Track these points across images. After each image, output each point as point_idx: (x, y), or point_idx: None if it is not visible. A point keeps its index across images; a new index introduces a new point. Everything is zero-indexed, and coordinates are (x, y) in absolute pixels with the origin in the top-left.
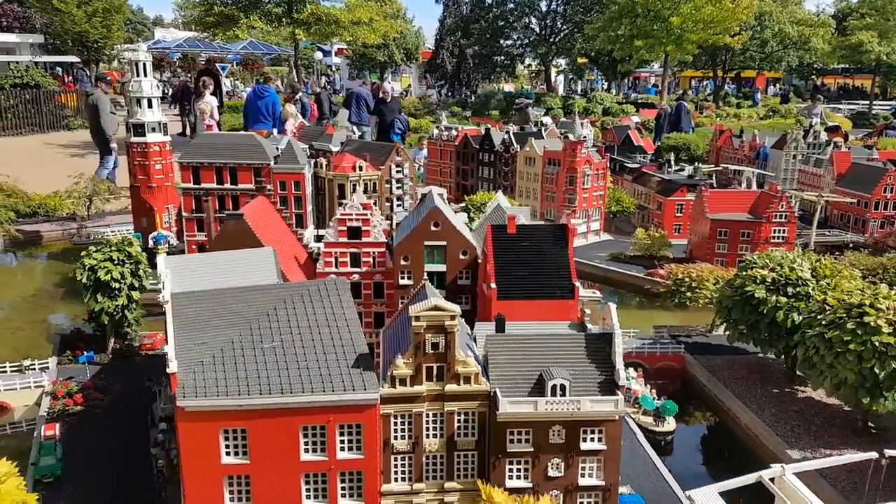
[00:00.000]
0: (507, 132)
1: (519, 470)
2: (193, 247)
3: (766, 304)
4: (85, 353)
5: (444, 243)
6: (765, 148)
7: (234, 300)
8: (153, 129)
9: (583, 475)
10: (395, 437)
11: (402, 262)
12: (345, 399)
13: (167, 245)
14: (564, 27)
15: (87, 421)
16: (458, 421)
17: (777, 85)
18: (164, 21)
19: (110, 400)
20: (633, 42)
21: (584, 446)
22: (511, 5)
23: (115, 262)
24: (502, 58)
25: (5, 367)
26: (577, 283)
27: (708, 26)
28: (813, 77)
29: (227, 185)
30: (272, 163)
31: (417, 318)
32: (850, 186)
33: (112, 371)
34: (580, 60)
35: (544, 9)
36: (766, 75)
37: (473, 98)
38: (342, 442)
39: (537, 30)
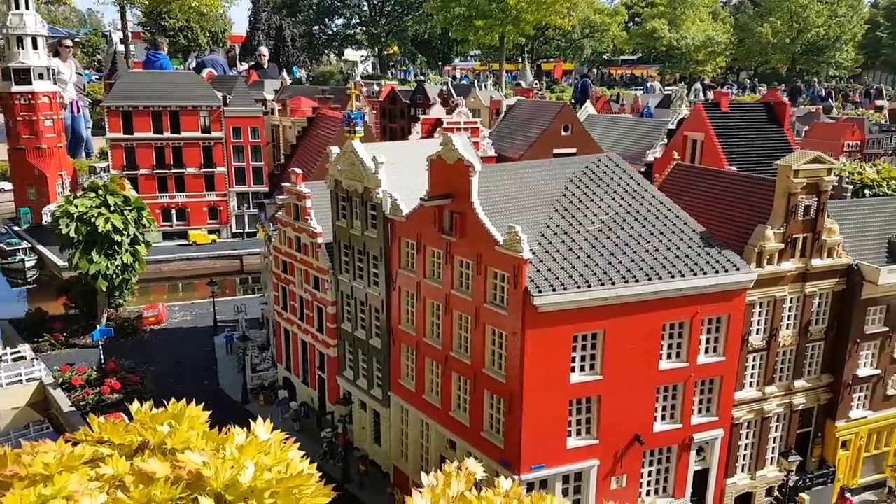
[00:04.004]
0: (446, 83)
1: (869, 355)
2: None
3: None
4: (98, 326)
5: (574, 150)
6: (649, 108)
7: (516, 179)
8: (40, 76)
9: None
10: (753, 332)
11: None
12: (721, 283)
13: (357, 125)
14: (395, 8)
15: None
16: (814, 305)
17: (571, 75)
18: None
19: (149, 383)
20: (473, 22)
21: None
22: None
23: (112, 208)
24: (329, 38)
25: None
26: None
27: (541, 6)
28: (599, 66)
29: (168, 134)
30: (223, 105)
31: (796, 174)
32: None
33: (119, 350)
34: (394, 49)
35: None
36: (563, 67)
37: (309, 79)
38: (703, 343)
39: (367, 9)
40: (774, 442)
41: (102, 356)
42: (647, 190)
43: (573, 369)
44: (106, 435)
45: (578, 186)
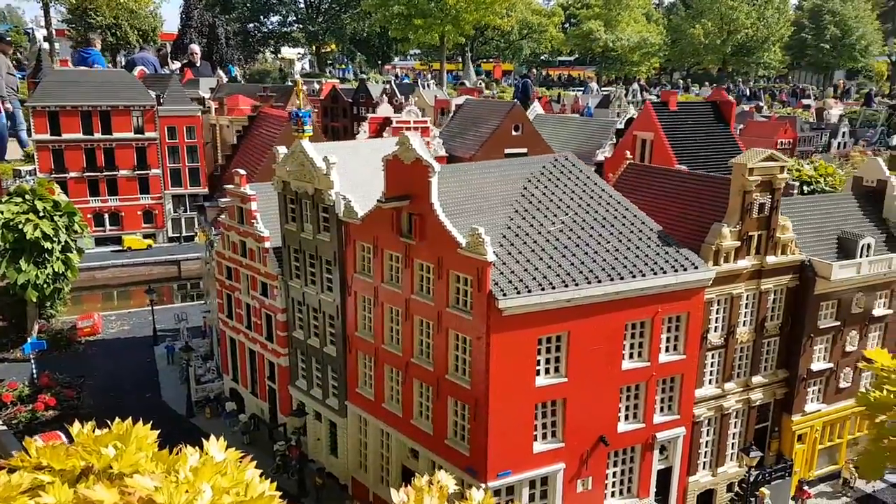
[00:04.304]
0: (389, 82)
1: (822, 350)
2: None
3: None
4: (29, 339)
5: (524, 150)
6: (589, 108)
7: (473, 180)
8: None
9: (867, 346)
10: (712, 330)
11: None
12: (680, 281)
13: (305, 124)
14: (332, 6)
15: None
16: (769, 301)
17: (510, 76)
18: None
19: (86, 397)
20: (412, 21)
21: (875, 313)
22: None
23: (41, 214)
24: (265, 36)
25: None
26: None
27: (480, 6)
28: (538, 67)
29: (99, 135)
30: (157, 104)
31: (751, 172)
32: None
33: (53, 364)
34: (331, 48)
35: None
36: (502, 67)
37: (245, 77)
38: (664, 342)
39: (303, 6)
40: (734, 438)
41: (35, 370)
42: (604, 190)
43: (538, 372)
44: (45, 460)
45: (537, 187)
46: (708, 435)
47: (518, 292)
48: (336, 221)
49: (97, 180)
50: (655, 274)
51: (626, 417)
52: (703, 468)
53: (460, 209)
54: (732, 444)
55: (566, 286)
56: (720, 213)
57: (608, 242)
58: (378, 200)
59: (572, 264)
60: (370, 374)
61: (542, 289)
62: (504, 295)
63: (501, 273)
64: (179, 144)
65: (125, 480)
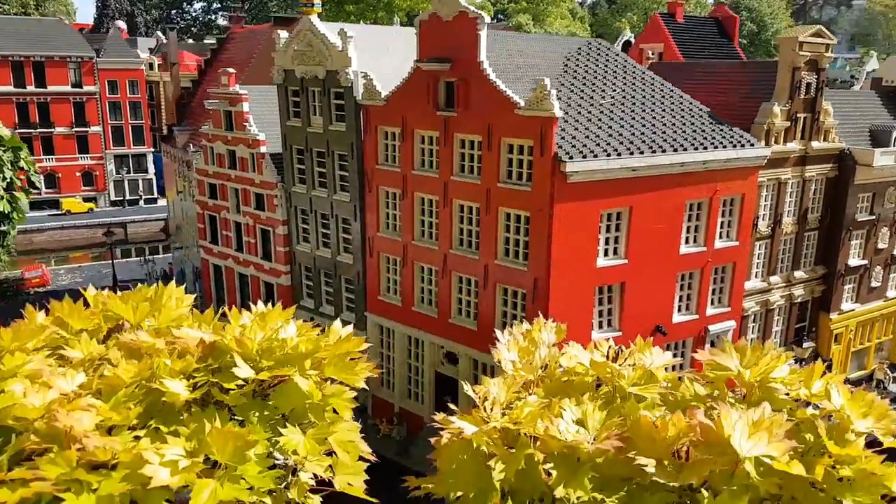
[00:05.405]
0: None
1: (857, 245)
2: None
3: None
4: None
5: None
6: None
7: (509, 50)
8: None
9: None
10: (761, 218)
11: None
12: (740, 157)
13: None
14: None
15: None
16: (811, 192)
17: None
18: None
19: None
20: (344, 7)
21: None
22: None
23: None
24: (188, 23)
25: None
26: None
27: None
28: None
29: (32, 88)
30: (97, 56)
31: (800, 47)
32: None
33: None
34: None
35: None
36: None
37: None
38: (719, 226)
39: None
40: (776, 337)
41: None
42: (644, 72)
43: (598, 253)
44: (62, 318)
45: (577, 64)
46: (753, 332)
47: (584, 157)
48: (354, 106)
49: (31, 138)
50: (716, 148)
51: (680, 308)
52: None
53: (513, 76)
54: (775, 342)
55: (631, 154)
56: (765, 97)
57: (663, 117)
58: (417, 61)
59: (633, 134)
60: (396, 277)
61: (608, 155)
62: (570, 158)
63: (563, 138)
64: (121, 100)
65: (173, 332)
